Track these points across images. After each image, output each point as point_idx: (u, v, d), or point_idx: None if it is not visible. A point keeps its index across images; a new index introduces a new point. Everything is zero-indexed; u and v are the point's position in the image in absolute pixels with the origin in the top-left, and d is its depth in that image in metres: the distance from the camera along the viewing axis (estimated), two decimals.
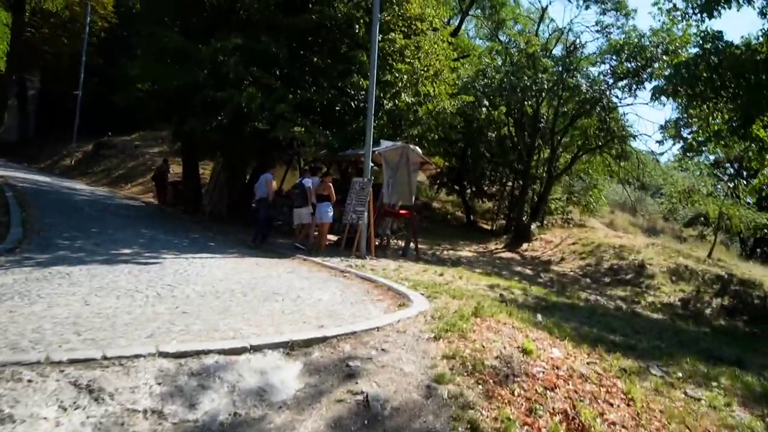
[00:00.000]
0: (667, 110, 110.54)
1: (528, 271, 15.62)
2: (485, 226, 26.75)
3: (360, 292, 7.10)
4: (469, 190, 27.17)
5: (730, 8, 12.18)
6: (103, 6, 35.69)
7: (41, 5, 18.80)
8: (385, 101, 14.47)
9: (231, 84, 12.88)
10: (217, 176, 15.89)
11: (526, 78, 18.78)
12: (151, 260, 8.75)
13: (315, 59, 14.09)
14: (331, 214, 11.81)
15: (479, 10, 25.83)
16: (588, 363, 5.00)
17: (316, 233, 12.15)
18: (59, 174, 28.44)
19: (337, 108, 14.20)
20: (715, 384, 5.15)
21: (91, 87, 32.59)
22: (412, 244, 13.79)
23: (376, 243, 13.76)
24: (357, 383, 4.00)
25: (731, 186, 26.02)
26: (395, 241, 15.31)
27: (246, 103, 12.49)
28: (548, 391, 4.21)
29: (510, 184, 27.08)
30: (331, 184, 11.95)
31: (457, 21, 26.19)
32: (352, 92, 14.18)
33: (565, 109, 21.43)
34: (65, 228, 11.11)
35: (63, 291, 6.01)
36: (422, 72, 14.70)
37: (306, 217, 11.98)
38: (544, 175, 23.66)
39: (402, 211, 13.43)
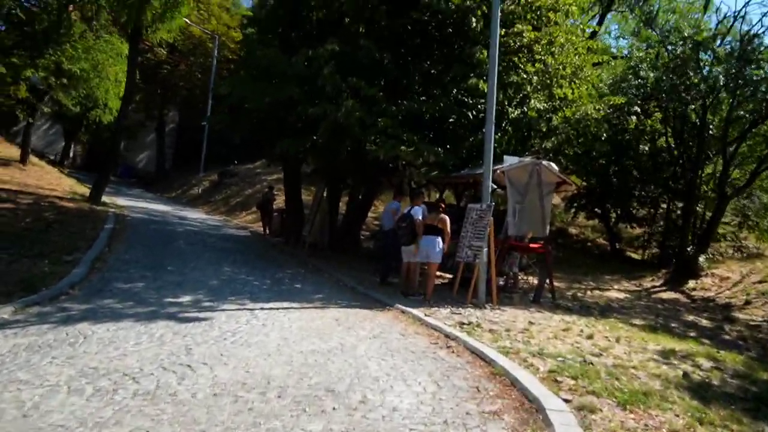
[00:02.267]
0: None
1: (705, 322, 11.88)
2: (634, 256, 22.59)
3: (465, 390, 4.51)
4: (613, 214, 23.20)
5: None
6: (232, 39, 36.82)
7: (156, 36, 18.26)
8: (510, 109, 11.82)
9: (327, 97, 11.02)
10: (318, 204, 14.16)
11: (691, 73, 15.06)
12: (204, 313, 6.91)
13: (424, 64, 11.88)
14: (440, 252, 9.33)
15: (625, 6, 22.11)
16: None
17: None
18: (185, 203, 28.95)
19: (451, 120, 11.80)
20: None
21: (226, 120, 33.28)
22: (546, 286, 10.85)
23: (500, 283, 11.05)
24: None
25: None
26: (524, 279, 12.42)
27: (344, 118, 10.53)
28: None
29: (665, 206, 22.67)
30: (447, 217, 9.48)
31: (596, 19, 22.72)
32: (469, 100, 11.72)
33: (741, 112, 17.11)
34: (139, 267, 9.79)
35: (38, 373, 4.22)
36: (557, 70, 11.84)
37: (412, 256, 9.56)
38: (711, 194, 19.24)
39: (533, 245, 10.60)
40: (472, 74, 10.87)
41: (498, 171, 9.81)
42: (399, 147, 10.36)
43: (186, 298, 7.75)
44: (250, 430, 3.43)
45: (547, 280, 10.78)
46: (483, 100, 11.73)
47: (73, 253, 10.26)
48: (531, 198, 10.17)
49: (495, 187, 11.72)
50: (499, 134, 11.50)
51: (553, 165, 10.58)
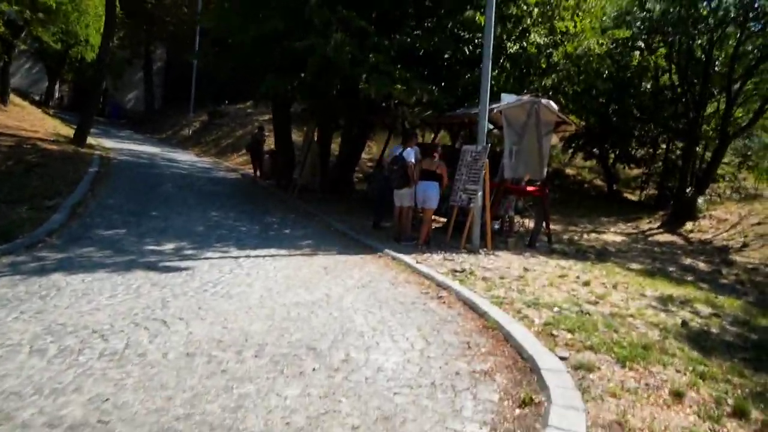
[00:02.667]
0: None
1: (703, 266, 11.70)
2: (631, 197, 22.35)
3: (455, 347, 4.25)
4: (612, 154, 22.77)
5: None
6: None
7: None
8: (508, 44, 11.17)
9: (315, 31, 10.35)
10: (308, 145, 13.66)
11: (700, 4, 14.27)
12: (186, 262, 6.62)
13: None
14: (437, 198, 8.97)
15: None
16: None
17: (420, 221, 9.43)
18: (175, 144, 28.28)
19: (446, 56, 11.17)
20: None
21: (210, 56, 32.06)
22: (542, 230, 10.59)
23: (495, 227, 10.77)
24: None
25: None
26: (520, 222, 12.16)
27: (333, 53, 9.90)
28: None
29: (664, 146, 22.18)
30: (443, 162, 9.07)
31: None
32: (465, 34, 11.05)
33: (749, 47, 16.39)
34: (122, 212, 9.44)
35: (1, 330, 3.95)
36: (559, 1, 11.10)
37: (407, 200, 9.18)
38: (712, 134, 18.76)
39: (530, 188, 10.25)
40: (468, 6, 10.19)
41: (495, 110, 9.33)
42: (391, 85, 9.81)
43: (169, 246, 7.44)
44: (221, 395, 3.17)
45: (544, 224, 10.50)
46: (480, 35, 11.09)
47: (54, 198, 9.88)
48: (529, 139, 9.73)
49: (491, 127, 11.26)
50: (496, 71, 10.92)
51: (553, 104, 10.08)
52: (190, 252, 7.21)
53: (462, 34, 11.47)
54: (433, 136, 12.58)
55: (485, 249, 8.79)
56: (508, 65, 11.42)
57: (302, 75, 10.85)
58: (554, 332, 4.53)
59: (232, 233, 8.77)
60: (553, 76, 11.73)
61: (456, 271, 7.05)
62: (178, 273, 6.10)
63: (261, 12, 11.39)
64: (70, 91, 40.40)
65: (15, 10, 17.99)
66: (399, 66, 10.37)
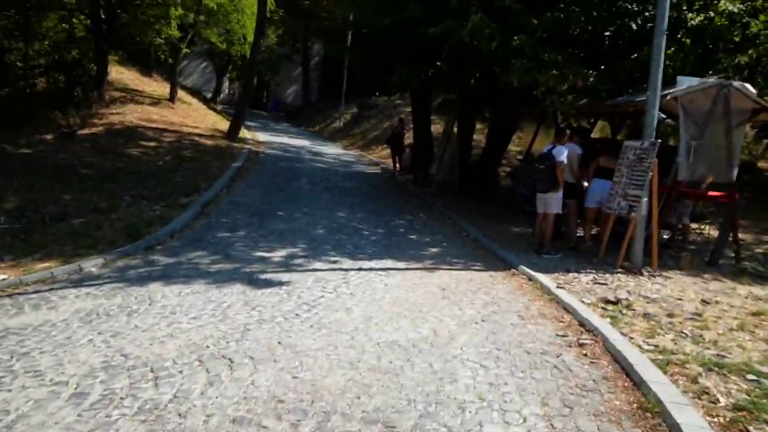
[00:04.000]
0: None
1: None
2: None
3: None
4: None
5: None
6: None
7: None
8: (689, 14, 9.11)
9: (452, 14, 9.28)
10: (447, 139, 12.66)
11: None
12: (291, 274, 6.03)
13: None
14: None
15: None
16: None
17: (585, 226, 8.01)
18: (326, 137, 28.90)
19: (607, 34, 9.42)
20: None
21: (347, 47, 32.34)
22: (728, 243, 8.46)
23: (664, 238, 8.89)
24: None
25: None
26: (698, 231, 9.99)
27: (470, 36, 8.75)
28: None
29: None
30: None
31: None
32: (631, 6, 9.20)
33: None
34: (248, 211, 9.25)
35: (62, 360, 3.60)
36: None
37: (554, 205, 7.75)
38: None
39: (712, 193, 8.23)
40: None
41: (669, 96, 7.51)
42: (537, 70, 8.40)
43: (280, 253, 6.94)
44: None
45: (732, 239, 8.39)
46: (650, 6, 9.20)
47: (191, 195, 10.06)
48: (713, 131, 7.73)
49: (663, 117, 9.33)
50: (672, 48, 8.95)
51: (749, 86, 7.92)
52: (299, 261, 6.62)
53: (627, 6, 9.62)
54: (588, 127, 10.84)
55: (649, 269, 7.11)
56: (687, 41, 9.32)
57: (438, 63, 9.83)
58: (751, 429, 3.05)
59: (352, 238, 8.09)
60: (750, 51, 9.37)
61: (608, 301, 5.60)
62: (277, 289, 5.49)
63: None
64: (239, 87, 43.53)
65: (180, 13, 19.22)
66: (548, 48, 8.90)
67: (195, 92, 31.92)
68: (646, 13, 9.34)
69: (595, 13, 8.93)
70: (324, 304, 5.10)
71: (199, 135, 17.61)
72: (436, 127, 17.25)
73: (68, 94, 18.18)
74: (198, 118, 21.42)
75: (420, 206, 11.41)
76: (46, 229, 8.30)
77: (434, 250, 7.80)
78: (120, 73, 24.22)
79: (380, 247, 7.67)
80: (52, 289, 5.48)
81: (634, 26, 9.24)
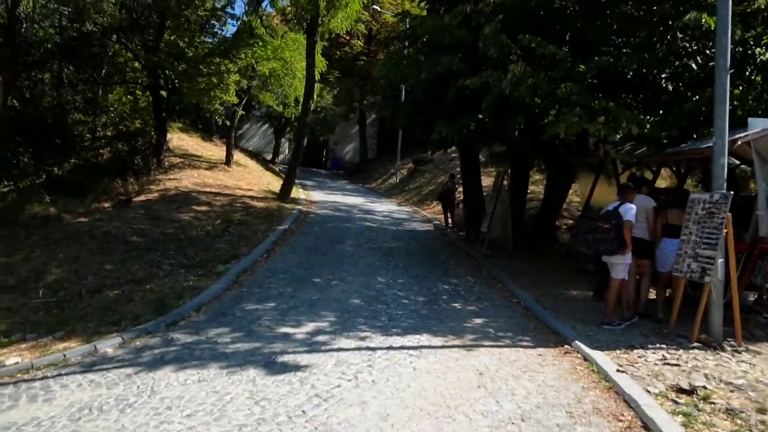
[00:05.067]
0: None
1: None
2: None
3: None
4: None
5: None
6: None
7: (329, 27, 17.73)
8: (757, 50, 8.20)
9: (492, 64, 8.81)
10: (497, 193, 11.95)
11: None
12: (311, 356, 5.46)
13: (622, 5, 8.86)
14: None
15: None
16: None
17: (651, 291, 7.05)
18: (381, 193, 28.70)
19: (664, 76, 8.64)
20: None
21: (387, 105, 32.45)
22: None
23: (749, 300, 7.75)
24: None
25: None
26: None
27: (510, 89, 8.22)
28: None
29: None
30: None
31: None
32: (689, 45, 8.44)
33: None
34: (284, 279, 8.82)
35: None
36: None
37: (619, 270, 6.83)
38: None
39: None
40: (689, 6, 7.68)
41: (740, 141, 6.61)
42: (586, 120, 7.71)
43: (306, 328, 6.40)
44: None
45: None
46: (711, 43, 8.40)
47: (230, 261, 9.79)
48: None
49: (736, 163, 8.36)
50: (741, 88, 8.06)
51: None
52: (323, 338, 6.04)
53: (684, 45, 8.87)
54: (650, 178, 9.87)
55: (732, 342, 6.06)
56: (758, 78, 8.39)
57: (480, 116, 9.31)
58: None
59: (388, 308, 7.46)
60: None
61: (680, 390, 4.67)
62: (291, 375, 4.93)
63: (434, 53, 10.26)
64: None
65: (236, 80, 19.82)
66: (599, 95, 8.21)
67: (254, 154, 32.82)
68: (707, 51, 8.53)
69: (648, 55, 8.20)
70: (338, 396, 4.48)
71: (252, 197, 17.70)
72: (491, 179, 16.59)
73: (129, 163, 18.90)
74: (252, 180, 21.73)
75: (469, 268, 10.67)
76: (80, 302, 8.21)
77: (478, 321, 7.03)
78: (181, 140, 25.20)
79: (418, 319, 7.00)
80: (59, 375, 5.17)
81: (694, 66, 8.43)
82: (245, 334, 6.16)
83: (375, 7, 32.25)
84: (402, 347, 5.82)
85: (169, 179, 18.32)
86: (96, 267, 9.73)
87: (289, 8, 20.04)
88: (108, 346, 5.89)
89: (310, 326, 6.48)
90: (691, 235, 6.48)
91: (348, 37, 36.09)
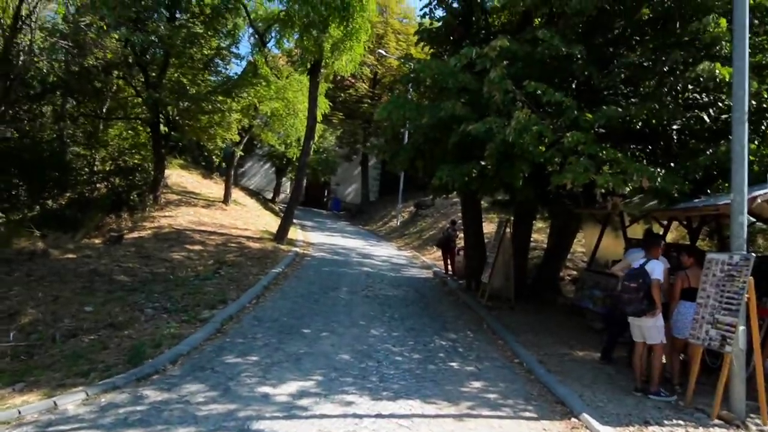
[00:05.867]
0: None
1: None
2: None
3: None
4: None
5: None
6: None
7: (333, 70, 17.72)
8: None
9: (496, 110, 8.51)
10: (499, 243, 11.51)
11: None
12: (288, 423, 4.91)
13: (630, 54, 8.63)
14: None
15: None
16: None
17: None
18: (381, 236, 28.28)
19: (675, 128, 8.32)
20: None
21: (386, 149, 32.36)
22: None
23: None
24: None
25: None
26: None
27: (514, 136, 7.89)
28: None
29: None
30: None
31: None
32: (699, 96, 8.15)
33: None
34: (271, 329, 8.30)
35: None
36: None
37: (654, 334, 6.32)
38: None
39: None
40: (703, 57, 7.41)
41: (760, 200, 6.21)
42: (593, 171, 7.34)
43: (287, 389, 5.85)
44: None
45: None
46: (723, 95, 8.12)
47: (217, 307, 9.31)
48: None
49: (752, 220, 7.93)
50: (755, 142, 7.71)
51: None
52: (306, 402, 5.49)
53: (695, 96, 8.59)
54: (660, 232, 9.43)
55: (757, 421, 5.50)
56: None
57: (482, 163, 8.96)
58: None
59: (380, 366, 6.91)
60: None
61: None
62: None
63: (437, 98, 10.02)
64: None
65: (237, 119, 19.69)
66: (606, 145, 7.87)
67: (255, 193, 32.61)
68: (720, 104, 8.23)
69: (657, 105, 7.89)
70: None
71: (248, 237, 17.29)
72: (493, 226, 16.18)
73: (125, 198, 18.58)
74: (250, 219, 21.35)
75: (469, 321, 10.13)
76: (52, 348, 7.67)
77: (476, 385, 6.48)
78: (181, 177, 24.99)
79: (411, 380, 6.45)
80: None
81: (706, 118, 8.11)
82: (221, 393, 5.62)
83: (380, 51, 32.53)
84: (392, 415, 5.27)
85: (165, 216, 17.94)
86: (75, 308, 9.21)
87: (295, 50, 20.16)
88: (69, 402, 5.34)
89: (293, 386, 5.93)
90: (708, 299, 6.00)
91: (353, 80, 36.35)
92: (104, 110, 19.75)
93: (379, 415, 5.23)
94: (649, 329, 6.25)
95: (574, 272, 14.96)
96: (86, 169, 19.93)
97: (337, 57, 17.37)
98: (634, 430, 5.13)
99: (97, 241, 15.37)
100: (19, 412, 5.10)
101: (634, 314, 6.30)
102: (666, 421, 5.44)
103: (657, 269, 6.22)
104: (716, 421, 5.45)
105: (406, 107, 9.98)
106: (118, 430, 4.73)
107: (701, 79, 7.37)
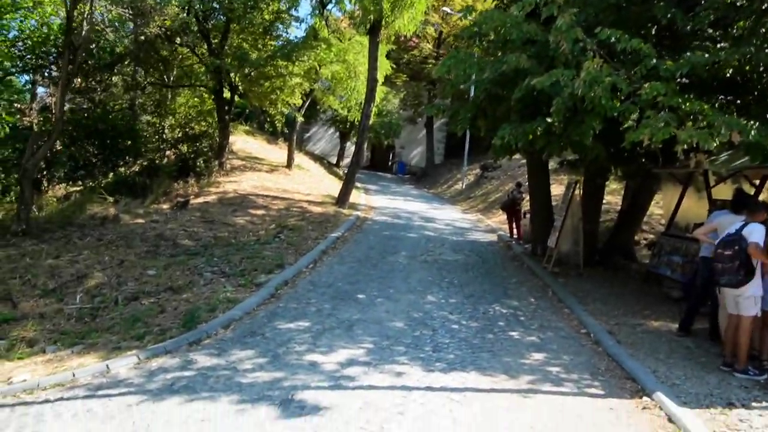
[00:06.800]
0: None
1: None
2: None
3: None
4: None
5: None
6: None
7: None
8: None
9: (564, 62, 7.77)
10: (567, 206, 10.79)
11: None
12: (334, 394, 4.71)
13: None
14: None
15: None
16: None
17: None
18: (446, 199, 27.72)
19: None
20: None
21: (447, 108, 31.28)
22: None
23: None
24: None
25: None
26: None
27: (584, 89, 7.16)
28: None
29: None
30: None
31: None
32: None
33: None
34: (326, 294, 8.15)
35: None
36: None
37: (749, 305, 5.62)
38: None
39: None
40: None
41: None
42: (671, 126, 6.56)
43: (338, 356, 5.65)
44: None
45: None
46: None
47: (273, 271, 9.28)
48: None
49: None
50: None
51: None
52: (354, 371, 5.27)
53: None
54: (754, 192, 8.43)
55: None
56: None
57: (548, 120, 8.27)
58: None
59: (435, 334, 6.60)
60: None
61: None
62: (304, 422, 4.20)
63: (500, 50, 9.33)
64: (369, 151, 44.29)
65: (297, 83, 19.50)
66: (690, 95, 7.02)
67: (319, 158, 32.72)
68: None
69: (751, 49, 6.91)
70: None
71: (309, 202, 17.29)
72: (561, 188, 15.34)
73: (191, 165, 18.99)
74: (313, 184, 21.39)
75: (532, 288, 9.61)
76: (114, 311, 7.87)
77: (538, 357, 6.04)
78: (246, 143, 25.33)
79: (467, 350, 6.10)
80: (61, 399, 4.67)
81: None
82: (269, 360, 5.50)
83: (445, 9, 31.31)
84: (443, 388, 4.95)
85: (229, 182, 18.22)
86: (139, 272, 9.43)
87: (357, 12, 19.61)
88: (122, 365, 5.38)
89: (342, 354, 5.73)
90: None
91: (416, 40, 35.37)
92: (171, 79, 20.09)
93: (429, 388, 4.93)
94: (744, 300, 5.57)
95: (651, 236, 13.97)
96: (156, 137, 20.48)
97: (397, 15, 16.69)
98: (716, 413, 4.57)
99: (164, 206, 15.80)
100: (74, 375, 5.17)
101: (728, 285, 5.62)
102: (754, 403, 4.84)
103: (755, 232, 5.49)
104: None
105: (467, 62, 9.35)
106: (163, 395, 4.68)
107: None
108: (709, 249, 6.66)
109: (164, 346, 5.87)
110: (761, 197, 8.25)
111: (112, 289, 8.72)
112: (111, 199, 15.64)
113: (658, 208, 15.11)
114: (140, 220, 13.89)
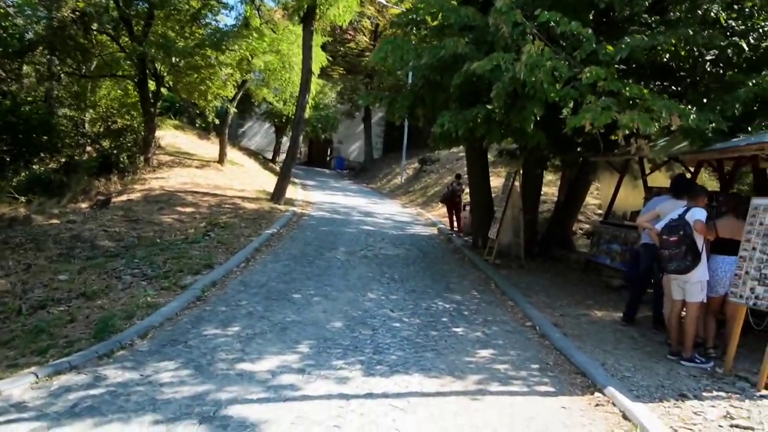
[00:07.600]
0: None
1: None
2: None
3: None
4: None
5: None
6: None
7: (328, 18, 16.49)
8: None
9: (505, 47, 7.51)
10: (508, 196, 10.63)
11: None
12: (263, 407, 4.19)
13: None
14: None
15: None
16: None
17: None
18: (385, 194, 27.42)
19: (709, 59, 7.29)
20: None
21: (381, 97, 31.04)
22: None
23: None
24: None
25: None
26: None
27: (525, 73, 6.91)
28: None
29: None
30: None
31: None
32: (735, 24, 7.08)
33: None
34: (258, 294, 7.56)
35: None
36: None
37: (696, 291, 5.52)
38: None
39: None
40: None
41: None
42: (611, 111, 6.41)
43: (268, 364, 5.11)
44: None
45: None
46: (763, 19, 7.09)
47: (201, 272, 8.57)
48: None
49: None
50: None
51: None
52: (286, 380, 4.75)
53: (731, 23, 7.53)
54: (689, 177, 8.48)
55: None
56: None
57: (488, 107, 7.99)
58: None
59: (375, 334, 6.17)
60: None
61: None
62: None
63: (437, 37, 9.00)
64: (305, 146, 43.34)
65: (230, 73, 18.60)
66: (629, 80, 6.90)
67: (254, 153, 31.67)
68: (760, 29, 7.18)
69: (691, 32, 6.86)
70: None
71: (243, 198, 16.49)
72: (500, 180, 15.28)
73: (114, 161, 17.74)
74: (247, 180, 20.52)
75: (475, 281, 9.36)
76: (15, 322, 6.99)
77: (484, 354, 5.72)
78: (175, 137, 24.04)
79: (410, 350, 5.70)
80: None
81: (744, 46, 7.07)
82: (191, 373, 4.89)
83: (381, 0, 30.91)
84: (385, 394, 4.52)
85: (156, 178, 17.12)
86: (49, 277, 8.52)
87: (291, 2, 18.86)
88: (16, 386, 4.62)
89: (274, 361, 5.20)
90: (754, 251, 5.14)
91: (353, 33, 34.86)
92: (91, 69, 18.68)
93: (369, 395, 4.49)
94: (692, 286, 5.44)
95: (587, 226, 14.13)
96: (74, 132, 19.03)
97: (332, 3, 16.14)
98: (670, 406, 4.37)
99: (83, 205, 14.62)
100: None
101: (677, 272, 5.47)
102: (705, 393, 4.68)
103: (699, 215, 5.37)
104: (764, 392, 4.68)
105: (404, 48, 8.96)
106: (62, 420, 4.01)
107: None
108: (650, 236, 6.57)
109: (69, 360, 5.13)
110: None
111: (16, 297, 7.80)
112: (23, 198, 14.31)
113: (592, 198, 15.33)
114: (55, 221, 12.75)
